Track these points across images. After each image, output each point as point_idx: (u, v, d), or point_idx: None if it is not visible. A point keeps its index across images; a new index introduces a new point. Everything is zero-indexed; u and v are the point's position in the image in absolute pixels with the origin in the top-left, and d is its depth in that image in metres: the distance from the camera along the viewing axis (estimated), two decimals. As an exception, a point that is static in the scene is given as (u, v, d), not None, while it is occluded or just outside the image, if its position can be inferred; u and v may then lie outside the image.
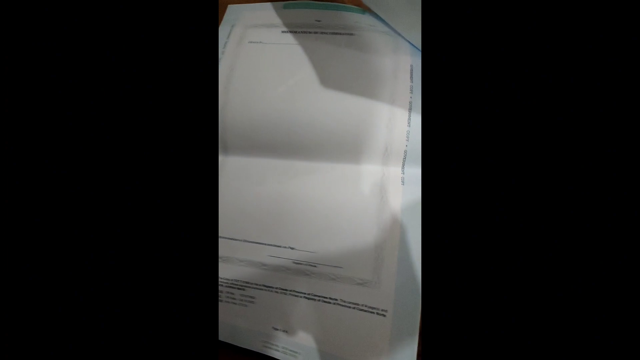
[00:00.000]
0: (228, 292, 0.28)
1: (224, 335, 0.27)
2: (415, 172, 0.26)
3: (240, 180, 0.28)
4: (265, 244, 0.27)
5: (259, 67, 0.28)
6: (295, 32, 0.28)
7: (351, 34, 0.28)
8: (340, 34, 0.28)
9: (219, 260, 0.28)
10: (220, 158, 0.29)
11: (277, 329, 0.27)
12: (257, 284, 0.27)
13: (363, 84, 0.27)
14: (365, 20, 0.28)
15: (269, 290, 0.27)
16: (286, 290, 0.27)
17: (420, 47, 0.28)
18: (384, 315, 0.24)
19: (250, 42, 0.29)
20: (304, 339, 0.26)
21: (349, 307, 0.25)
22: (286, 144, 0.28)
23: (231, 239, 0.28)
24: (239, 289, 0.28)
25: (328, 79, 0.27)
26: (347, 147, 0.27)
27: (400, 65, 0.27)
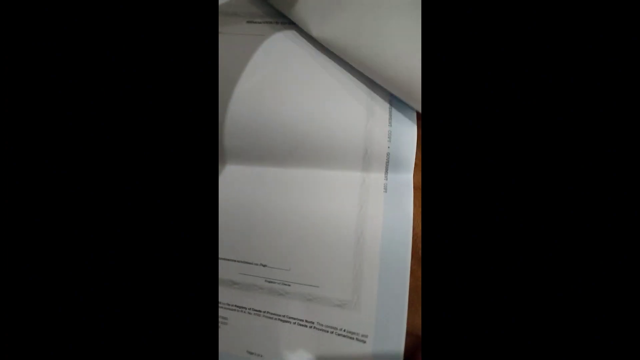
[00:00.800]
0: (199, 312, 0.25)
1: (196, 358, 0.25)
2: (399, 178, 0.23)
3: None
4: (234, 261, 0.25)
5: (220, 62, 0.25)
6: (260, 22, 0.25)
7: (322, 21, 0.24)
8: (309, 21, 0.24)
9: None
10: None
11: (252, 353, 0.24)
12: (228, 304, 0.25)
13: (336, 79, 0.24)
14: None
15: (241, 311, 0.25)
16: (260, 311, 0.24)
17: None
18: (364, 342, 0.22)
19: (213, 34, 0.26)
20: (281, 364, 0.24)
21: (327, 331, 0.23)
22: (251, 148, 0.25)
23: (200, 254, 0.25)
24: (210, 309, 0.25)
25: (297, 74, 0.24)
26: (320, 151, 0.24)
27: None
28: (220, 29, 0.25)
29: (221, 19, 0.25)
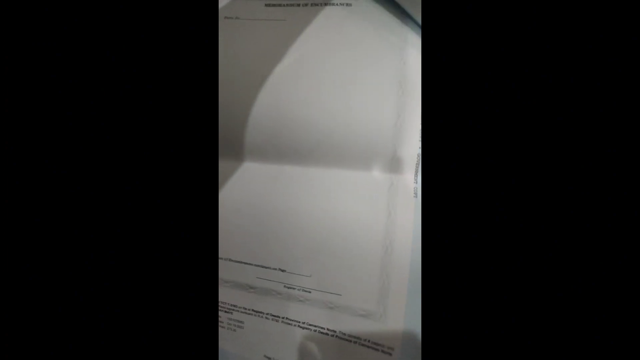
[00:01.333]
0: (214, 315, 0.24)
1: None
2: (430, 180, 0.21)
3: (222, 187, 0.24)
4: (251, 264, 0.23)
5: (236, 50, 0.23)
6: (281, 5, 0.23)
7: (348, 4, 0.22)
8: (334, 4, 0.22)
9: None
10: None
11: (269, 358, 0.24)
12: (245, 308, 0.24)
13: (363, 71, 0.21)
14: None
15: (258, 315, 0.24)
16: (278, 317, 0.23)
17: None
18: (390, 354, 0.21)
19: (226, 18, 0.23)
20: (299, 371, 0.23)
21: (349, 341, 0.22)
22: (271, 144, 0.23)
23: (214, 256, 0.24)
24: (226, 312, 0.24)
25: (320, 65, 0.22)
26: (346, 149, 0.22)
27: (410, 46, 0.21)
28: (237, 14, 0.23)
29: (239, 3, 0.23)
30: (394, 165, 0.21)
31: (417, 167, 0.21)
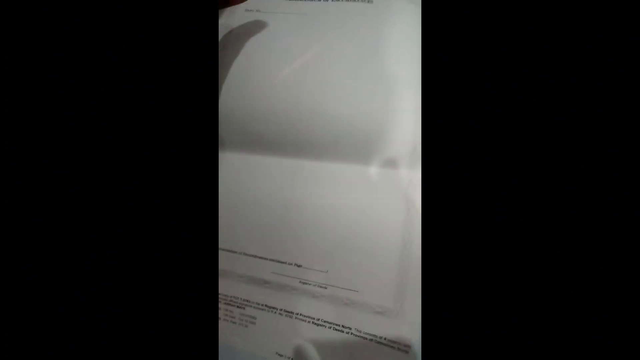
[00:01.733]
0: (226, 310, 0.24)
1: (222, 357, 0.24)
2: (450, 178, 0.21)
3: (239, 180, 0.24)
4: (267, 259, 0.23)
5: (257, 43, 0.23)
6: (302, -2, 0.23)
7: (369, 1, 0.22)
8: (356, 0, 0.22)
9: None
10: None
11: (281, 355, 0.23)
12: (258, 303, 0.24)
13: (384, 66, 0.21)
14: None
15: (271, 311, 0.23)
16: (292, 313, 0.23)
17: None
18: (407, 352, 0.21)
19: (247, 11, 0.23)
20: (312, 368, 0.23)
21: (365, 338, 0.21)
22: (291, 139, 0.23)
23: (229, 250, 0.24)
24: (238, 307, 0.24)
25: (341, 60, 0.22)
26: (365, 145, 0.22)
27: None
28: (257, 7, 0.23)
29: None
30: (414, 161, 0.21)
31: (437, 164, 0.21)
